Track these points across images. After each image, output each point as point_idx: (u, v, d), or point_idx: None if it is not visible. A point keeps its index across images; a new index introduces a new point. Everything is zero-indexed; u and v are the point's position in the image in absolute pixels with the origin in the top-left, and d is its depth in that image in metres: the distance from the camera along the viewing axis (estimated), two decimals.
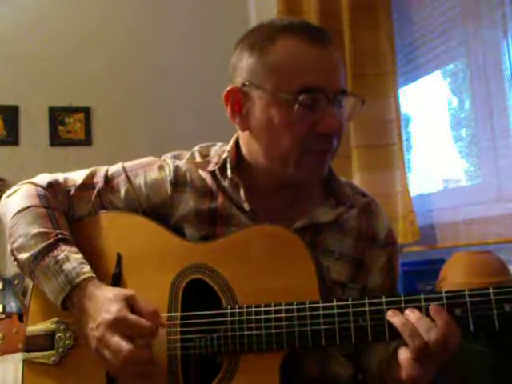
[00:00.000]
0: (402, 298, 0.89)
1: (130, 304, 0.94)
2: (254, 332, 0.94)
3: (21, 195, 1.10)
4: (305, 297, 0.93)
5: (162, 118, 2.87)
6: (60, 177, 1.15)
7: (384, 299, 0.89)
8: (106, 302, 0.94)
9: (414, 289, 1.73)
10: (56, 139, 2.78)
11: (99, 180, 1.13)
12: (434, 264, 1.73)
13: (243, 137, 1.09)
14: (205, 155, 1.14)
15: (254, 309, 0.95)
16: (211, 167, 1.11)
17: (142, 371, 0.92)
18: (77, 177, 1.15)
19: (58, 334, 1.04)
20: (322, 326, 0.91)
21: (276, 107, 0.99)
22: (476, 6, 1.86)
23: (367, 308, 0.89)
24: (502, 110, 1.79)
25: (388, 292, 1.11)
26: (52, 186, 1.12)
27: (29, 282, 1.12)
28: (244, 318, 0.95)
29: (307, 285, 0.95)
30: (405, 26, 2.19)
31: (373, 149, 2.08)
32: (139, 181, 1.12)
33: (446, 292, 0.88)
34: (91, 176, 1.14)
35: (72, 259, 1.01)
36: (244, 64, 1.03)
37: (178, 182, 1.11)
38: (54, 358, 1.04)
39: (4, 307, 2.01)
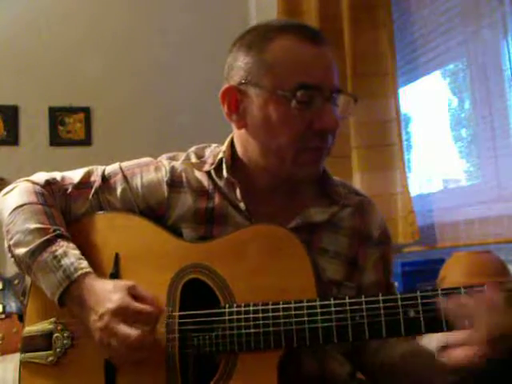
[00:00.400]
0: (399, 295, 0.89)
1: (131, 293, 0.95)
2: (252, 331, 0.94)
3: (18, 192, 1.10)
4: (302, 295, 0.93)
5: (162, 118, 2.87)
6: (57, 175, 1.15)
7: (381, 297, 0.89)
8: (106, 293, 0.95)
9: (413, 289, 1.72)
10: (56, 139, 2.78)
11: (96, 179, 1.13)
12: (434, 264, 1.73)
13: (239, 135, 1.09)
14: (200, 156, 1.14)
15: (251, 308, 0.95)
16: (207, 167, 1.11)
17: (147, 357, 0.94)
18: (74, 175, 1.15)
19: (56, 335, 1.04)
20: (320, 324, 0.90)
21: (273, 104, 0.99)
22: (476, 6, 1.86)
23: (364, 306, 0.89)
24: (502, 110, 1.79)
25: (384, 289, 1.11)
26: (49, 183, 1.12)
27: (29, 282, 1.11)
28: (242, 316, 0.95)
29: (304, 283, 0.95)
30: (405, 26, 2.19)
31: (373, 149, 2.09)
32: (136, 181, 1.12)
33: (441, 290, 0.87)
34: (88, 175, 1.14)
35: (70, 254, 1.01)
36: (241, 63, 1.03)
37: (175, 182, 1.11)
38: (51, 359, 1.04)
39: (4, 307, 2.01)
